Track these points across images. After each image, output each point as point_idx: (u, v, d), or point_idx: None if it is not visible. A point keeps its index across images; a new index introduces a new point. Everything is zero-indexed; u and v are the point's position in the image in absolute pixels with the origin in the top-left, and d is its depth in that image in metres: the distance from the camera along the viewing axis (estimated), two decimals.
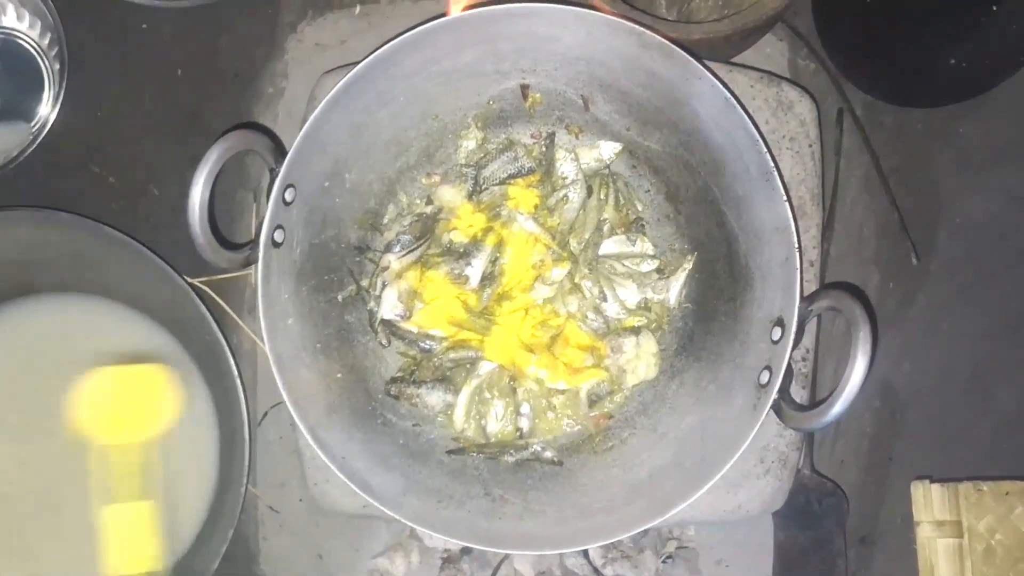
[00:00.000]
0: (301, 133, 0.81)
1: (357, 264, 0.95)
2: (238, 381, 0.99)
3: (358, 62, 0.96)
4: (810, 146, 0.96)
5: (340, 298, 0.93)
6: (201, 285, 1.07)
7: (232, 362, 1.00)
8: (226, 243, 0.80)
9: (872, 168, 1.10)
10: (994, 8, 0.97)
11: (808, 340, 0.95)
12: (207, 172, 0.76)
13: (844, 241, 1.10)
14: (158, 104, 1.15)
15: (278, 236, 0.83)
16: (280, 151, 0.82)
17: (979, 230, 1.10)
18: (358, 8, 1.14)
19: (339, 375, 0.89)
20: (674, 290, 0.94)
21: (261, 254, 0.81)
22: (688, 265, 0.94)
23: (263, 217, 0.81)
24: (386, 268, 0.91)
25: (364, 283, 0.94)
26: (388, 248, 0.93)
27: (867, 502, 1.08)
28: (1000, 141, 1.11)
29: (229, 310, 1.10)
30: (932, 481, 1.00)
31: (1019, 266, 1.10)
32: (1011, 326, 1.09)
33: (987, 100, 1.07)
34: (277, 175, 0.81)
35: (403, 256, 0.91)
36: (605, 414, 0.93)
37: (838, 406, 0.73)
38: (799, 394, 0.93)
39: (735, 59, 1.04)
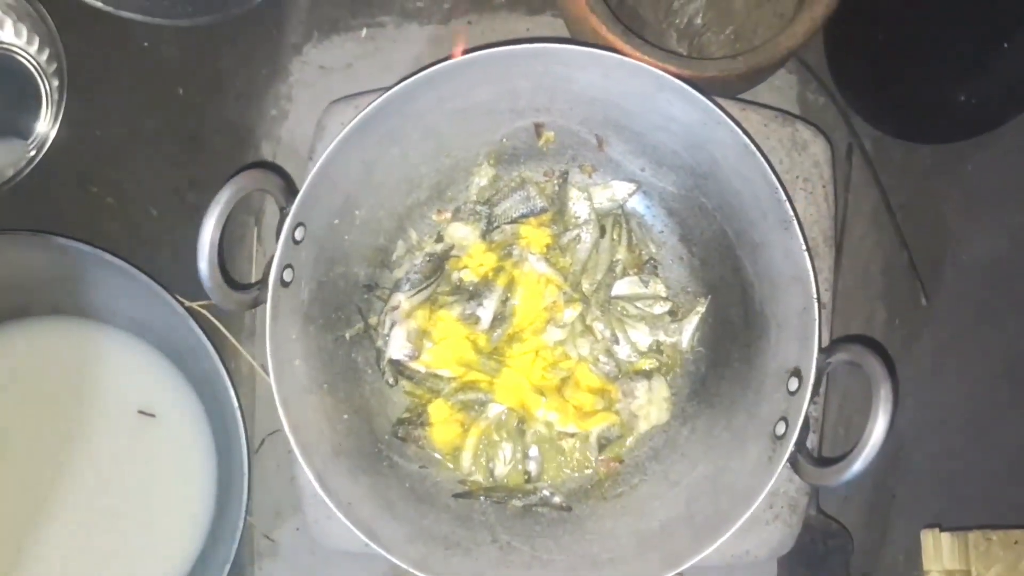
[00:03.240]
0: (312, 172, 0.79)
1: (365, 302, 0.94)
2: (238, 412, 0.97)
3: (368, 92, 0.96)
4: (824, 187, 0.95)
5: (347, 336, 0.92)
6: (200, 309, 1.05)
7: (232, 391, 0.98)
8: (234, 283, 0.79)
9: (879, 204, 1.09)
10: (1004, 46, 0.97)
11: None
12: (218, 213, 0.74)
13: (851, 277, 1.09)
14: (158, 124, 1.13)
15: (287, 276, 0.81)
16: (291, 189, 0.81)
17: (986, 269, 1.10)
18: (364, 31, 1.12)
19: (345, 416, 0.88)
20: (686, 333, 0.93)
21: (270, 295, 0.79)
22: (701, 308, 0.93)
23: (267, 247, 0.80)
24: (396, 307, 0.89)
25: (372, 321, 0.92)
26: (397, 286, 0.92)
27: (870, 541, 1.07)
28: (1008, 179, 1.11)
29: (228, 335, 1.08)
30: (941, 530, 0.99)
31: None
32: (1017, 368, 1.09)
33: (995, 138, 1.07)
34: (287, 214, 0.79)
35: (413, 295, 0.90)
36: (615, 458, 0.92)
37: (858, 464, 0.72)
38: (809, 439, 0.92)
39: (744, 93, 1.03)
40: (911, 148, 1.11)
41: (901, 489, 1.08)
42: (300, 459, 0.79)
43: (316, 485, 0.79)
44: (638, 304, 0.93)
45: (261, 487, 1.08)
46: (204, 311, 1.06)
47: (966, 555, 0.98)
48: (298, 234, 0.81)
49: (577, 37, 0.97)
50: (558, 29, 1.09)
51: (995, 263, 1.10)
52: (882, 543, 1.07)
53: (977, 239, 1.10)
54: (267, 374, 1.06)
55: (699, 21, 1.02)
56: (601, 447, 0.92)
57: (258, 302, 0.80)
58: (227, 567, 0.98)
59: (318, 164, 0.79)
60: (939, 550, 0.99)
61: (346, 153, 0.81)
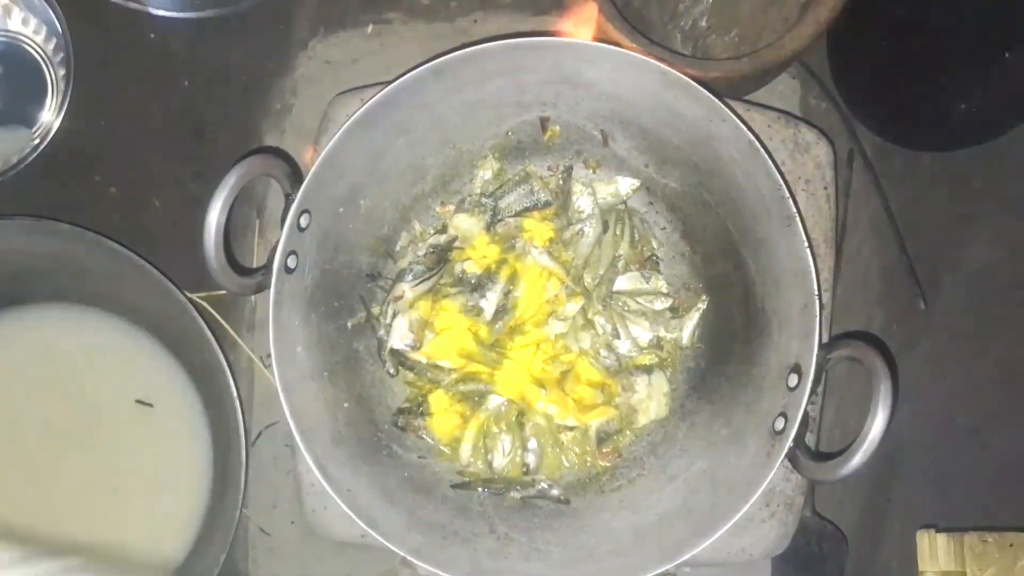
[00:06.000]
0: (319, 159, 0.80)
1: (368, 291, 0.94)
2: (237, 403, 0.98)
3: (375, 85, 0.96)
4: (825, 188, 0.96)
5: (349, 325, 0.92)
6: (200, 300, 1.05)
7: (232, 383, 0.98)
8: (239, 268, 0.79)
9: (879, 210, 1.10)
10: (1005, 56, 0.98)
11: None
12: (224, 196, 0.74)
13: (850, 282, 1.09)
14: (163, 115, 1.14)
15: (291, 262, 0.81)
16: (297, 176, 0.81)
17: (983, 277, 1.10)
18: (371, 27, 1.13)
19: (346, 404, 0.88)
20: (687, 330, 0.93)
21: (274, 280, 0.79)
22: (702, 305, 0.93)
23: (269, 239, 0.80)
24: (399, 297, 0.89)
25: (374, 310, 0.93)
26: (400, 277, 0.92)
27: (864, 544, 1.07)
28: (1007, 188, 1.12)
29: (228, 328, 1.08)
30: (937, 531, 1.00)
31: (1022, 315, 1.10)
32: (1013, 375, 1.09)
33: (995, 147, 1.07)
34: (293, 200, 0.79)
35: (416, 285, 0.90)
36: (614, 451, 0.92)
37: (857, 458, 0.72)
38: (807, 438, 0.92)
39: (747, 97, 1.04)
40: (912, 155, 1.11)
41: (897, 493, 1.08)
42: (300, 445, 0.79)
43: (316, 471, 0.79)
44: (639, 300, 0.93)
45: (257, 480, 1.08)
46: (204, 303, 1.06)
47: (962, 556, 0.98)
48: (303, 221, 0.81)
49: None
50: None
51: (993, 270, 1.10)
52: (877, 547, 1.07)
53: (976, 246, 1.11)
54: (265, 367, 1.07)
55: (704, 24, 1.03)
56: (600, 441, 0.92)
57: (261, 287, 0.80)
58: (222, 557, 0.97)
59: (325, 151, 0.79)
60: (935, 551, 0.99)
61: (353, 142, 0.82)
